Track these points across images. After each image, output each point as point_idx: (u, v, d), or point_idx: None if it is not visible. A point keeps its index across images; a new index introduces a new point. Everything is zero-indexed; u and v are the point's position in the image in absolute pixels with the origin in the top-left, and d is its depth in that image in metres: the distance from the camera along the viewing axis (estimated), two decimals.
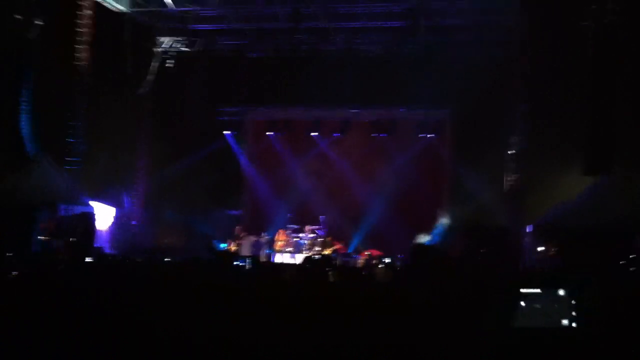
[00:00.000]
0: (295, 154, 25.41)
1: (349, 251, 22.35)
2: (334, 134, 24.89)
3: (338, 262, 19.64)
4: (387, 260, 16.84)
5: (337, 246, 21.64)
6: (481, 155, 22.06)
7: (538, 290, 4.20)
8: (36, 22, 20.66)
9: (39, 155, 21.14)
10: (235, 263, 11.59)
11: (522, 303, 4.17)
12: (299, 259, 20.31)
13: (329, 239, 21.82)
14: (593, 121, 17.72)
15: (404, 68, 22.43)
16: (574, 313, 4.17)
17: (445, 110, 23.79)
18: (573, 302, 4.18)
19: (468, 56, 22.90)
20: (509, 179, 20.02)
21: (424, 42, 21.31)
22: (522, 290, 4.17)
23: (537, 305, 4.15)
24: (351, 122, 24.72)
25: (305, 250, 21.53)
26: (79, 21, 20.81)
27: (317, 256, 17.80)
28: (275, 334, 4.49)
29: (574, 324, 4.18)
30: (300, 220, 22.99)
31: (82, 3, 20.81)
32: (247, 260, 13.73)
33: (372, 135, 24.58)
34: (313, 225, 22.39)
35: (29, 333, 5.37)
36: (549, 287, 4.18)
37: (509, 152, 19.85)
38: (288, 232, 22.27)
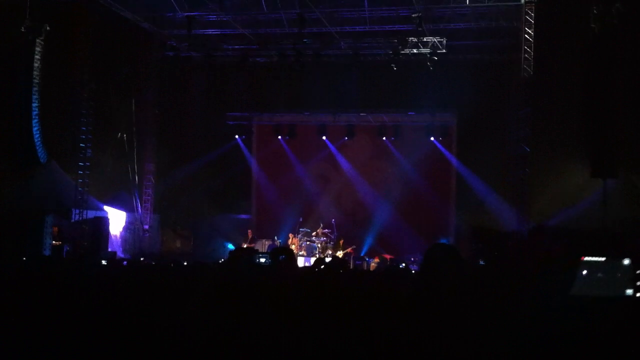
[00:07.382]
0: (302, 158, 25.52)
1: (361, 254, 22.42)
2: (341, 138, 25.00)
3: (351, 264, 19.79)
4: (402, 265, 16.86)
5: (349, 249, 21.72)
6: (487, 158, 22.21)
7: (602, 259, 4.21)
8: (44, 27, 20.76)
9: (49, 161, 21.22)
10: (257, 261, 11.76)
11: (584, 272, 4.18)
12: (312, 262, 20.33)
13: (340, 241, 21.85)
14: (598, 124, 17.71)
15: (410, 72, 22.55)
16: (638, 283, 4.17)
17: (450, 113, 23.94)
18: (638, 271, 4.18)
19: (472, 60, 23.11)
20: (514, 181, 20.12)
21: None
22: (585, 258, 4.17)
23: (600, 275, 4.16)
24: (358, 127, 24.81)
25: (318, 253, 21.56)
26: (85, 27, 20.83)
27: (329, 259, 17.89)
28: (284, 332, 4.52)
29: (638, 294, 4.19)
30: (311, 224, 23.08)
31: (89, 9, 20.83)
32: (266, 257, 13.93)
33: (379, 139, 24.73)
34: (324, 228, 22.41)
35: (35, 333, 5.48)
36: (614, 256, 4.19)
37: (514, 155, 19.98)
38: (299, 235, 22.24)
